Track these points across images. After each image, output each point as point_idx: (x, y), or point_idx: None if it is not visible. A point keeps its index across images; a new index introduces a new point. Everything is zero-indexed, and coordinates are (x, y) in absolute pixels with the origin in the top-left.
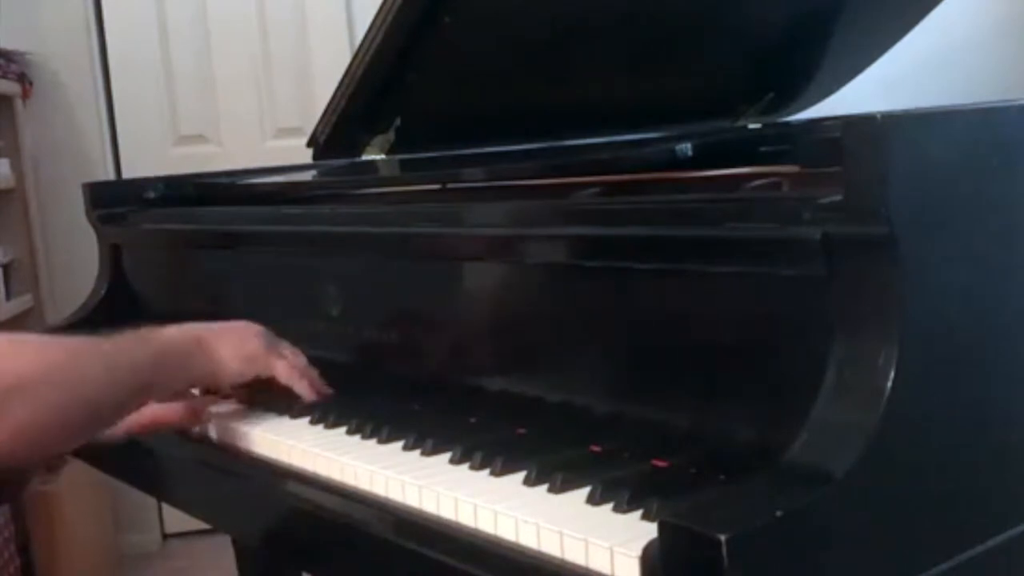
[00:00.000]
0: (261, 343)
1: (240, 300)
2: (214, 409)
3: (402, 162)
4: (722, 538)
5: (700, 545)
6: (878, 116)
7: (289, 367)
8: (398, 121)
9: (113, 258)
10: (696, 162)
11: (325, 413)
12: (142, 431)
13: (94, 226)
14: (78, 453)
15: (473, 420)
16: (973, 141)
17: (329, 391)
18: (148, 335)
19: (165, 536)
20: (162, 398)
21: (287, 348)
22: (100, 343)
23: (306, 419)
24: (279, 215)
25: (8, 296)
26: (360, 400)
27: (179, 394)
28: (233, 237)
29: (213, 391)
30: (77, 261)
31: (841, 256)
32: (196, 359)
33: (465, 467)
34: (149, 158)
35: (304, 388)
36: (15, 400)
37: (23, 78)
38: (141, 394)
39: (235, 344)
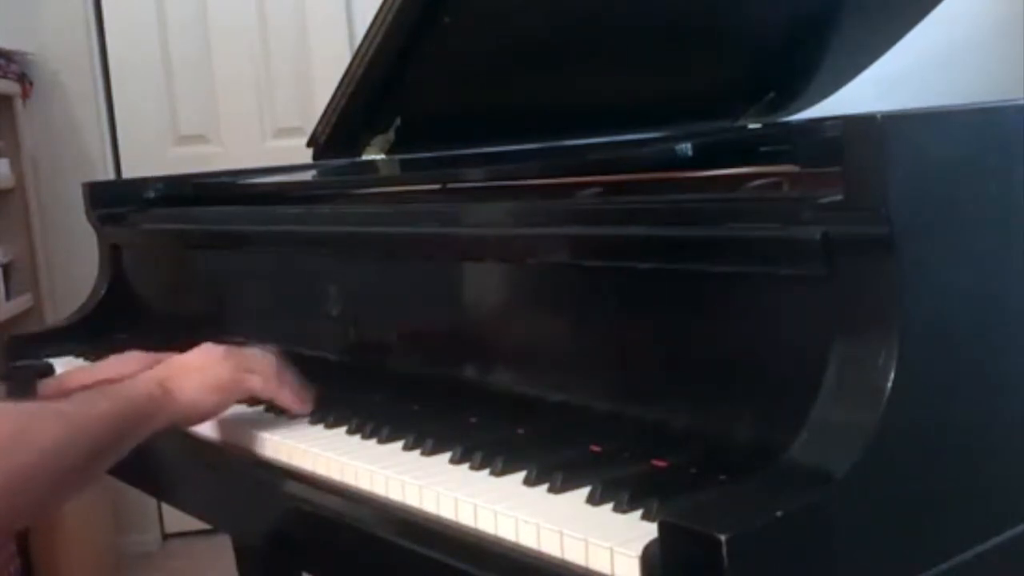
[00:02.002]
0: (227, 367)
1: (240, 300)
2: None
3: (402, 162)
4: (722, 538)
5: (700, 545)
6: (878, 116)
7: (264, 382)
8: (398, 121)
9: (113, 258)
10: (696, 162)
11: (325, 413)
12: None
13: (94, 226)
14: None
15: (473, 420)
16: (973, 141)
17: (311, 395)
18: (109, 389)
19: (165, 536)
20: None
21: (257, 360)
22: (59, 405)
23: (306, 419)
24: (279, 215)
25: (8, 296)
26: (360, 400)
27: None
28: (233, 237)
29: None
30: (77, 261)
31: (841, 256)
32: (163, 404)
33: (465, 467)
34: (149, 158)
35: (286, 398)
36: None
37: (23, 78)
38: (108, 449)
39: (201, 377)
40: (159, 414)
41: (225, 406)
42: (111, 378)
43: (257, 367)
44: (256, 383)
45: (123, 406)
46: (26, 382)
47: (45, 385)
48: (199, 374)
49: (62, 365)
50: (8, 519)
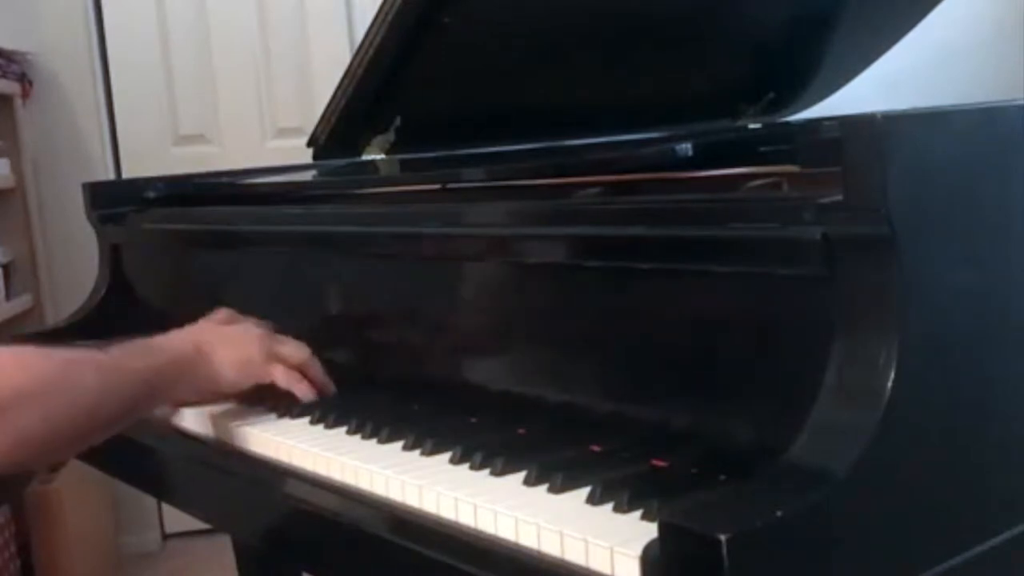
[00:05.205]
0: (259, 349)
1: (240, 300)
2: (214, 409)
3: (402, 162)
4: (722, 538)
5: (700, 545)
6: (878, 116)
7: (286, 372)
8: (398, 121)
9: (113, 258)
10: (696, 162)
11: (325, 413)
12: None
13: (94, 226)
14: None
15: (473, 420)
16: (973, 141)
17: (331, 387)
18: (149, 343)
19: (165, 536)
20: (168, 405)
21: (289, 348)
22: (97, 354)
23: (306, 419)
24: (279, 215)
25: (8, 296)
26: (360, 400)
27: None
28: (233, 237)
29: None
30: (77, 261)
31: (841, 256)
32: (197, 366)
33: (465, 467)
34: (149, 158)
35: (303, 390)
36: (13, 411)
37: (23, 78)
38: (141, 402)
39: (232, 351)
40: (190, 375)
41: (245, 385)
42: None
43: (288, 353)
44: (278, 373)
45: (159, 363)
46: None
47: None
48: (232, 348)
49: None
50: (43, 457)
